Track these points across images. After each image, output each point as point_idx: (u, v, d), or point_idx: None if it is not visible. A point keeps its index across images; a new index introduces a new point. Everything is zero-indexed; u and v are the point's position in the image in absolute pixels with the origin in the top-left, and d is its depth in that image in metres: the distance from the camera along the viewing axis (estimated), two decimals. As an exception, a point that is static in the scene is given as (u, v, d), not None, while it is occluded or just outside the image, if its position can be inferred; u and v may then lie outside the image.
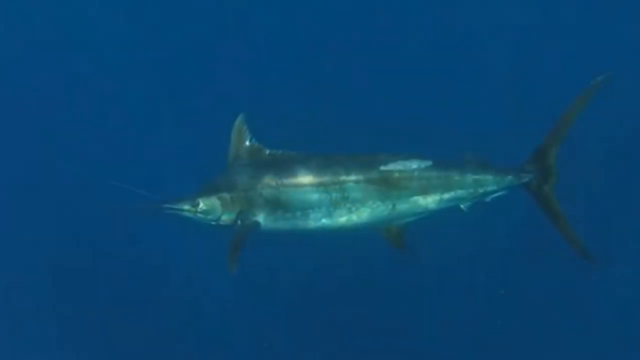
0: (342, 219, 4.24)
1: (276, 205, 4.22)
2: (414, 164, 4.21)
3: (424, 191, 4.22)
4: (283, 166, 4.26)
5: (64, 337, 6.87)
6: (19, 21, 7.53)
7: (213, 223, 4.35)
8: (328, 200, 4.20)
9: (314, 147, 4.35)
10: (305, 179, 4.20)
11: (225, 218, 4.30)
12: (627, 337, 6.32)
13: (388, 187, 4.19)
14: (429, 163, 4.23)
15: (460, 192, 4.27)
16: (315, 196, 4.19)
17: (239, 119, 4.39)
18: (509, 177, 4.27)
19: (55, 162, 6.28)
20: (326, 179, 4.19)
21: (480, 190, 4.28)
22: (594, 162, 6.24)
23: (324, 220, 4.24)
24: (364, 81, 6.88)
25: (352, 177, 4.19)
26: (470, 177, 4.26)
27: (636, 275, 6.24)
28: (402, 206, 4.24)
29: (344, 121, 6.42)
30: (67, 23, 7.40)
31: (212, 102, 6.64)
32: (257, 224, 4.27)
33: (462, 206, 4.34)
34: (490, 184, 4.28)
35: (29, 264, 6.99)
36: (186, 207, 4.32)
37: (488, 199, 4.35)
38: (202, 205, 4.29)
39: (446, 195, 4.26)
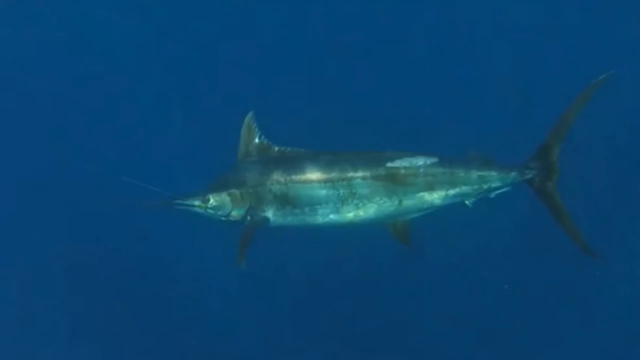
0: (350, 214, 4.32)
1: (285, 201, 4.31)
2: (419, 161, 4.29)
3: (430, 187, 4.30)
4: (292, 163, 4.35)
5: (75, 331, 6.95)
6: (31, 22, 7.62)
7: (223, 219, 4.44)
8: (336, 196, 4.28)
9: (322, 144, 4.43)
10: (314, 175, 4.29)
11: (235, 214, 4.39)
12: (630, 333, 6.34)
13: (394, 183, 4.27)
14: (434, 160, 4.31)
15: (465, 188, 4.34)
16: (323, 192, 4.28)
17: (249, 117, 4.48)
18: (513, 174, 4.35)
19: (67, 159, 6.37)
20: (334, 175, 4.28)
21: (485, 187, 4.36)
22: (597, 160, 6.29)
23: (331, 216, 4.33)
24: (370, 80, 6.94)
25: (359, 174, 4.27)
26: (475, 174, 4.33)
27: (639, 272, 6.31)
28: (408, 202, 4.31)
29: (350, 119, 6.51)
30: (78, 23, 7.49)
31: (222, 100, 6.74)
32: (266, 219, 4.37)
33: (466, 202, 4.41)
34: (494, 180, 4.35)
35: (41, 259, 7.07)
36: (197, 203, 4.41)
37: (492, 195, 4.41)
38: (212, 201, 4.38)
39: (451, 192, 4.33)
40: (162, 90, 7.01)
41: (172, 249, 6.75)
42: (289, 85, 6.87)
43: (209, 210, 4.41)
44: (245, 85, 6.62)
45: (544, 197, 4.32)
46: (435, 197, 4.34)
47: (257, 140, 4.49)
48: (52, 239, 6.97)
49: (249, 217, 4.39)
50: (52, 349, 6.97)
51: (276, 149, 4.49)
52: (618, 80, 4.13)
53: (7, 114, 7.38)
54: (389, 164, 4.28)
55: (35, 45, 7.56)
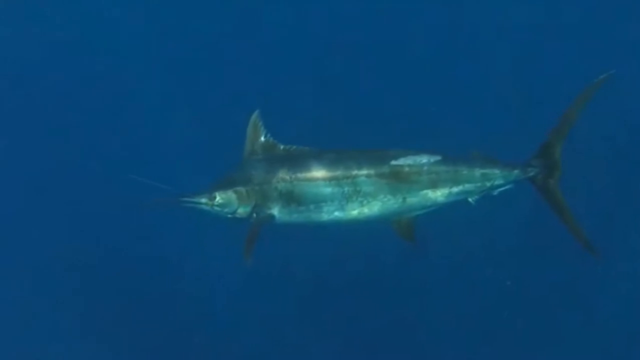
0: (354, 212, 4.35)
1: (290, 198, 4.34)
2: (423, 159, 4.33)
3: (434, 185, 4.34)
4: (297, 161, 4.39)
5: (78, 330, 6.98)
6: (32, 21, 7.67)
7: (229, 216, 4.46)
8: (340, 193, 4.31)
9: (327, 143, 4.48)
10: (319, 173, 4.33)
11: (241, 211, 4.42)
12: (632, 331, 6.37)
13: (398, 181, 4.30)
14: (438, 158, 4.34)
15: (468, 186, 4.38)
16: (328, 190, 4.31)
17: (255, 115, 4.51)
18: (516, 172, 4.39)
19: (73, 158, 6.41)
20: (339, 173, 4.31)
21: (488, 184, 4.39)
22: (598, 159, 6.34)
23: (336, 213, 4.36)
24: (374, 79, 7.01)
25: (364, 172, 4.30)
26: (478, 172, 4.37)
27: (640, 270, 6.36)
28: (412, 199, 4.35)
29: (355, 118, 6.56)
30: (81, 23, 7.55)
31: (228, 99, 6.79)
32: (272, 216, 4.40)
33: (470, 200, 4.45)
34: (497, 178, 4.39)
35: (45, 258, 7.10)
36: (203, 200, 4.43)
37: (495, 193, 4.45)
38: (218, 198, 4.41)
39: (455, 189, 4.37)
40: (167, 89, 7.06)
41: (176, 247, 6.79)
42: (295, 84, 6.92)
43: (216, 208, 4.44)
44: (251, 84, 6.66)
45: (546, 194, 4.36)
46: (438, 194, 4.38)
47: (262, 138, 4.52)
48: (56, 238, 7.00)
49: (254, 215, 4.41)
50: (55, 349, 6.99)
51: (282, 147, 4.52)
52: (618, 80, 4.17)
53: (10, 114, 7.43)
54: (393, 162, 4.31)
55: (37, 45, 7.59)
